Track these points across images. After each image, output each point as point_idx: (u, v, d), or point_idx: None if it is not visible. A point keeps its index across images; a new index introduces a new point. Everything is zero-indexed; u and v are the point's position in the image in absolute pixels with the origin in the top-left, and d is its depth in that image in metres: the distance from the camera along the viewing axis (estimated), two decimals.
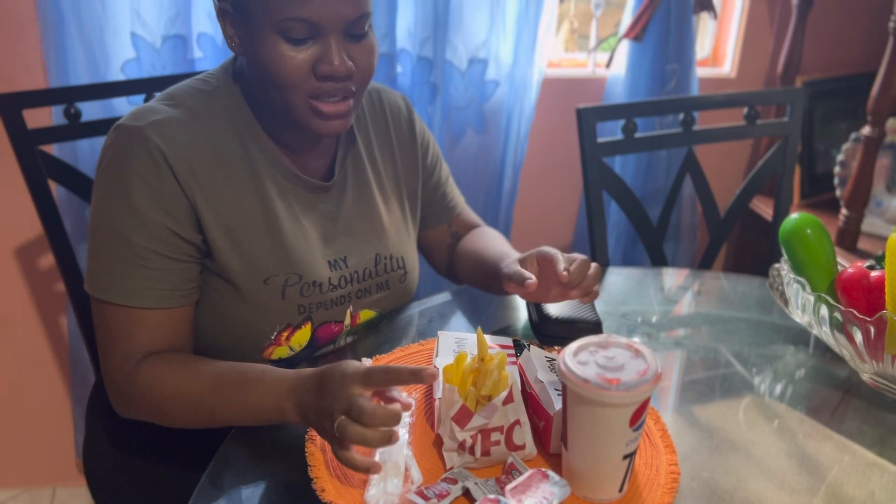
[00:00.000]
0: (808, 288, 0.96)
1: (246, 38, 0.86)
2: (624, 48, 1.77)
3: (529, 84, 1.71)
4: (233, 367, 0.84)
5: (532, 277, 0.89)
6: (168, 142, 0.85)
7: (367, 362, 0.92)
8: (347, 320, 1.02)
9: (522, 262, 0.95)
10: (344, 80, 0.86)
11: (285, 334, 0.95)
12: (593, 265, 0.92)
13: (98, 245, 0.86)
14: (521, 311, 1.12)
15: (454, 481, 0.72)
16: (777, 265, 1.05)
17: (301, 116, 0.87)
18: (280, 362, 0.98)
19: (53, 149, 1.43)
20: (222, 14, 0.87)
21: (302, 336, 0.97)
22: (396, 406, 0.72)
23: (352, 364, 0.75)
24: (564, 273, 0.87)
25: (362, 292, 1.02)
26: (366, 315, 1.05)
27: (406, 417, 0.81)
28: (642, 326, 1.10)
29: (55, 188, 1.34)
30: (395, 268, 1.05)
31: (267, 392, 0.80)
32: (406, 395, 0.85)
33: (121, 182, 0.85)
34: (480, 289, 1.13)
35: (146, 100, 1.33)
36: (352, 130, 1.03)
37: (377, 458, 0.74)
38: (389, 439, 0.70)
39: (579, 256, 0.92)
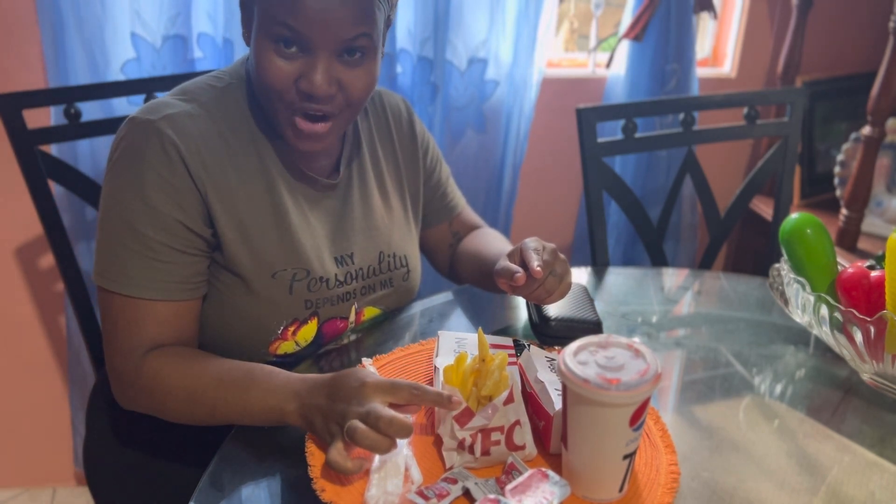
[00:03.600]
0: (808, 288, 0.96)
1: (249, 34, 0.88)
2: (624, 48, 1.78)
3: (529, 84, 1.71)
4: (238, 366, 0.84)
5: (520, 271, 0.88)
6: (181, 136, 0.86)
7: (367, 363, 0.92)
8: (352, 317, 1.02)
9: (510, 255, 0.94)
10: (324, 102, 0.86)
11: (291, 329, 0.96)
12: (561, 256, 0.91)
13: (108, 236, 0.86)
14: (521, 311, 1.12)
15: (454, 481, 0.72)
16: (777, 265, 1.05)
17: (280, 125, 0.88)
18: (286, 357, 0.98)
19: (52, 149, 1.43)
20: (242, 6, 0.89)
21: (308, 331, 0.97)
22: (409, 419, 0.72)
23: (370, 374, 0.76)
24: (538, 269, 0.86)
25: (367, 289, 1.03)
26: (370, 312, 1.05)
27: (406, 417, 0.81)
28: (642, 326, 1.10)
29: (55, 188, 1.34)
30: (398, 266, 1.06)
31: (270, 392, 0.80)
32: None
33: (133, 174, 0.85)
34: (481, 288, 1.13)
35: (146, 100, 1.33)
36: (356, 131, 1.04)
37: (377, 459, 0.74)
38: (392, 448, 0.71)
39: (550, 246, 0.91)
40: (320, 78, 0.83)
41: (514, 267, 0.89)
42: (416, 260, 1.10)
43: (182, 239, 0.87)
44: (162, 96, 0.92)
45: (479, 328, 0.81)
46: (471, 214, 1.22)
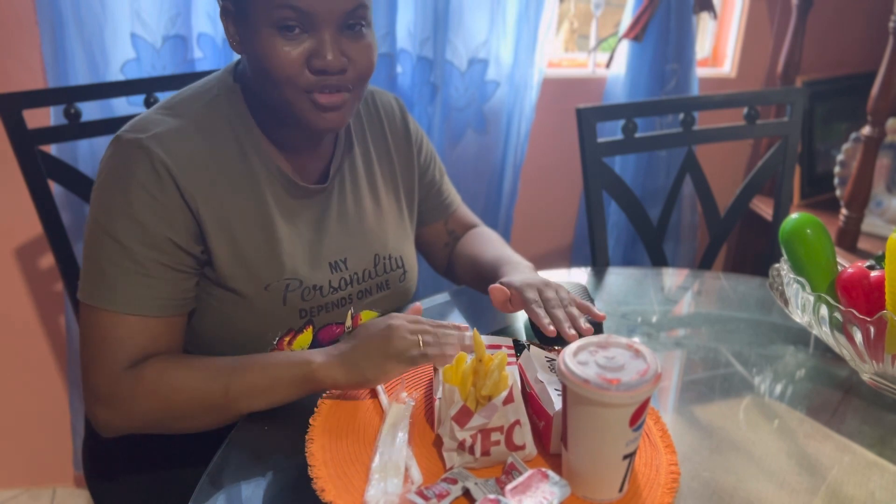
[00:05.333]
0: (808, 288, 0.96)
1: (245, 36, 0.86)
2: (624, 48, 1.78)
3: (529, 84, 1.71)
4: (247, 354, 0.88)
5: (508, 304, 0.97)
6: (170, 153, 0.85)
7: None
8: (348, 322, 1.02)
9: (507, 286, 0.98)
10: (338, 75, 0.86)
11: (287, 339, 0.96)
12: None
13: (96, 253, 0.86)
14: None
15: (454, 481, 0.72)
16: (777, 265, 1.05)
17: (299, 111, 0.87)
18: None
19: (52, 148, 1.43)
20: (225, 13, 0.88)
21: (304, 339, 0.97)
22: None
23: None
24: (552, 330, 0.90)
25: (363, 293, 1.02)
26: (367, 316, 1.05)
27: (406, 418, 0.82)
28: (642, 326, 1.10)
29: (54, 188, 1.34)
30: (394, 267, 1.06)
31: (288, 357, 0.84)
32: (406, 394, 0.85)
33: (122, 192, 0.84)
34: (479, 290, 1.13)
35: (146, 100, 1.33)
36: (348, 132, 1.04)
37: (377, 459, 0.74)
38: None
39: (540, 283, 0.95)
40: (331, 53, 0.84)
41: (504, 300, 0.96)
42: (412, 260, 1.10)
43: (171, 256, 0.87)
44: (148, 112, 0.91)
45: (475, 329, 0.82)
46: (466, 213, 1.22)
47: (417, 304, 0.94)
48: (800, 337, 1.08)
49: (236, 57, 0.97)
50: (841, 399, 0.94)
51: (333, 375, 0.81)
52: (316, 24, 0.83)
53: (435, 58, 1.61)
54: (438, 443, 0.79)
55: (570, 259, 2.02)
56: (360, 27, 0.86)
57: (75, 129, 1.26)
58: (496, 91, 1.70)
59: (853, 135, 1.79)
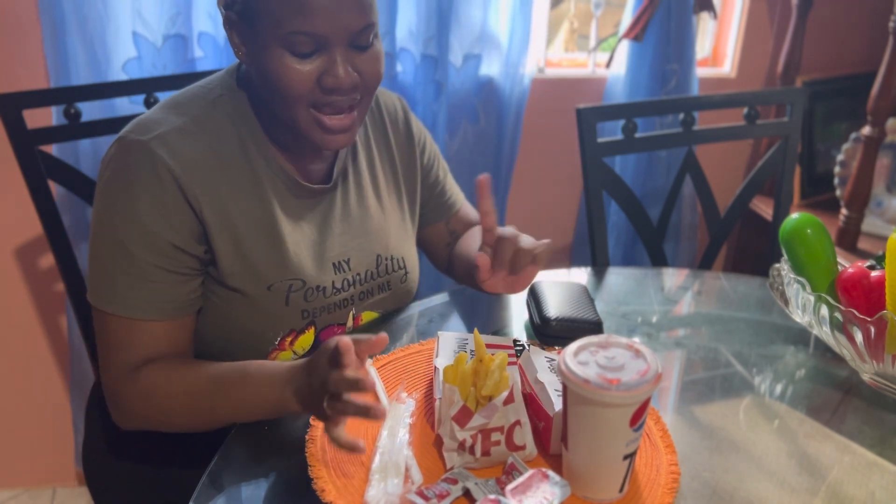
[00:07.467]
0: (808, 288, 0.96)
1: (252, 49, 0.86)
2: (624, 48, 1.78)
3: (524, 79, 1.71)
4: (232, 365, 0.85)
5: (481, 258, 0.89)
6: (174, 155, 0.85)
7: (367, 363, 0.92)
8: (350, 322, 1.02)
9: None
10: (349, 92, 0.86)
11: (289, 339, 0.96)
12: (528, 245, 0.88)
13: (100, 256, 0.86)
14: (520, 311, 1.12)
15: (454, 481, 0.72)
16: (777, 265, 1.05)
17: (305, 129, 0.87)
18: None
19: (52, 149, 1.43)
20: (228, 23, 0.87)
21: (305, 340, 0.97)
22: (355, 373, 0.70)
23: (330, 342, 0.75)
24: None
25: (364, 294, 1.02)
26: (368, 316, 1.05)
27: (406, 418, 0.82)
28: (642, 326, 1.10)
29: (55, 188, 1.34)
30: (395, 268, 1.06)
31: (265, 384, 0.80)
32: (406, 394, 0.85)
33: (125, 195, 0.84)
34: (475, 289, 1.13)
35: (147, 100, 1.33)
36: None
37: (377, 459, 0.74)
38: (366, 412, 0.70)
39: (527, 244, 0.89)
40: (342, 70, 0.84)
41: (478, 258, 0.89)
42: (413, 261, 1.10)
43: (174, 260, 0.87)
44: (151, 111, 0.91)
45: (476, 329, 0.81)
46: (469, 212, 1.22)
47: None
48: (800, 337, 1.08)
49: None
50: (841, 399, 0.94)
51: (298, 404, 0.79)
52: (327, 43, 0.83)
53: (439, 56, 1.61)
54: (438, 443, 0.79)
55: (570, 259, 2.02)
56: (368, 42, 0.86)
57: (76, 129, 1.26)
58: (490, 85, 1.71)
59: (853, 135, 1.79)
